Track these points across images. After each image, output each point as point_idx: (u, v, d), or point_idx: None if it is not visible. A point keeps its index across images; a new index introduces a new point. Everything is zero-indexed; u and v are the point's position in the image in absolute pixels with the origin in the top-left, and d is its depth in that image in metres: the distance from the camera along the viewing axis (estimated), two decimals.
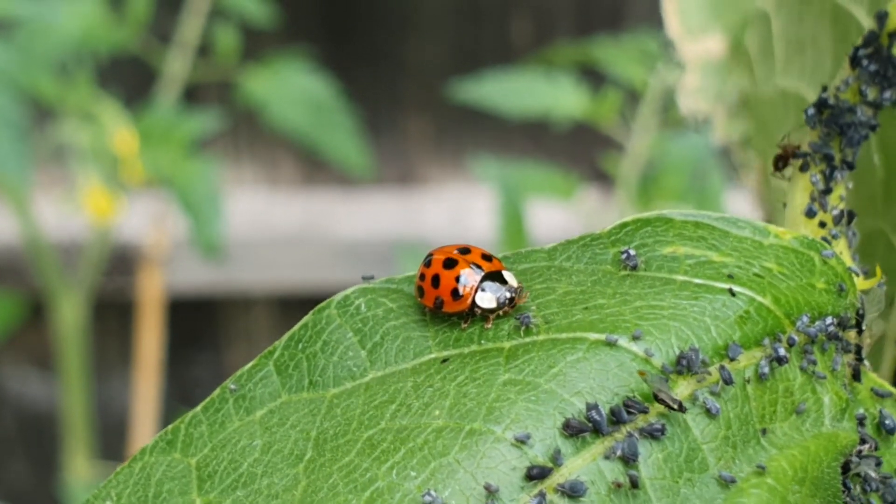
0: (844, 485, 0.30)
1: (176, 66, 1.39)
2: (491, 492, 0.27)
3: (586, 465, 0.28)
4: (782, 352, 0.30)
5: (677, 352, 0.30)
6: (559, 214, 1.46)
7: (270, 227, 1.61)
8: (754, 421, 0.30)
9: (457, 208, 1.63)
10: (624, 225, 0.33)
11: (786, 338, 0.31)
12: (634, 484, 0.28)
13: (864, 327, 0.33)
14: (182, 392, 1.70)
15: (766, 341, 0.31)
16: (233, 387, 0.31)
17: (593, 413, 0.28)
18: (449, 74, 1.58)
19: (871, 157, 0.38)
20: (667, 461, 0.28)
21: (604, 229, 0.33)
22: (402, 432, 0.29)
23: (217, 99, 1.55)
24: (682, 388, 0.29)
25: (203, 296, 1.63)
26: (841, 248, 0.34)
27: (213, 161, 1.34)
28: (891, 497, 0.30)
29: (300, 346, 0.31)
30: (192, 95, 1.50)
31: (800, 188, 0.34)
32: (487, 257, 0.34)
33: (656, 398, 0.29)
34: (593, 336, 0.30)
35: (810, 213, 0.34)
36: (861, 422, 0.31)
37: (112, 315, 1.62)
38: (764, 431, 0.30)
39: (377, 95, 1.61)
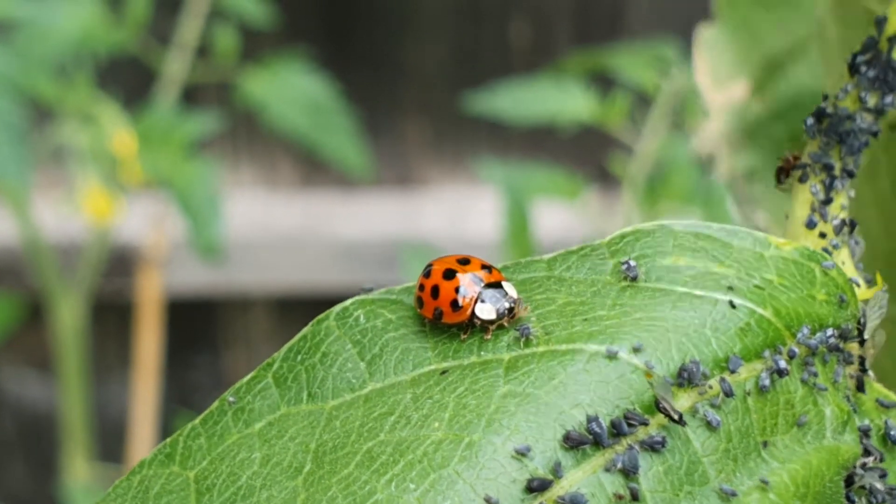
0: (848, 498, 0.30)
1: (175, 68, 1.39)
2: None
3: (587, 477, 0.28)
4: (783, 364, 0.30)
5: (678, 364, 0.29)
6: (564, 215, 1.46)
7: (269, 228, 1.61)
8: (755, 433, 0.29)
9: (456, 210, 1.63)
10: (624, 235, 0.33)
11: (786, 350, 0.31)
12: (635, 496, 0.28)
13: (866, 338, 0.33)
14: (181, 394, 1.69)
15: (767, 353, 0.30)
16: (231, 399, 0.31)
17: (594, 425, 0.28)
18: (448, 76, 1.58)
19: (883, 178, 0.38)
20: (667, 474, 0.28)
21: (603, 239, 0.33)
22: (402, 444, 0.29)
23: (216, 100, 1.55)
24: (682, 401, 0.29)
25: (202, 297, 1.63)
26: (843, 257, 0.34)
27: (212, 162, 1.34)
28: None
29: (299, 357, 0.31)
30: (192, 96, 1.50)
31: (800, 199, 0.34)
32: (487, 268, 0.34)
33: (658, 406, 0.29)
34: (593, 347, 0.30)
35: (811, 224, 0.34)
36: (866, 433, 0.31)
37: (111, 316, 1.62)
38: (765, 444, 0.30)
39: (376, 97, 1.61)
